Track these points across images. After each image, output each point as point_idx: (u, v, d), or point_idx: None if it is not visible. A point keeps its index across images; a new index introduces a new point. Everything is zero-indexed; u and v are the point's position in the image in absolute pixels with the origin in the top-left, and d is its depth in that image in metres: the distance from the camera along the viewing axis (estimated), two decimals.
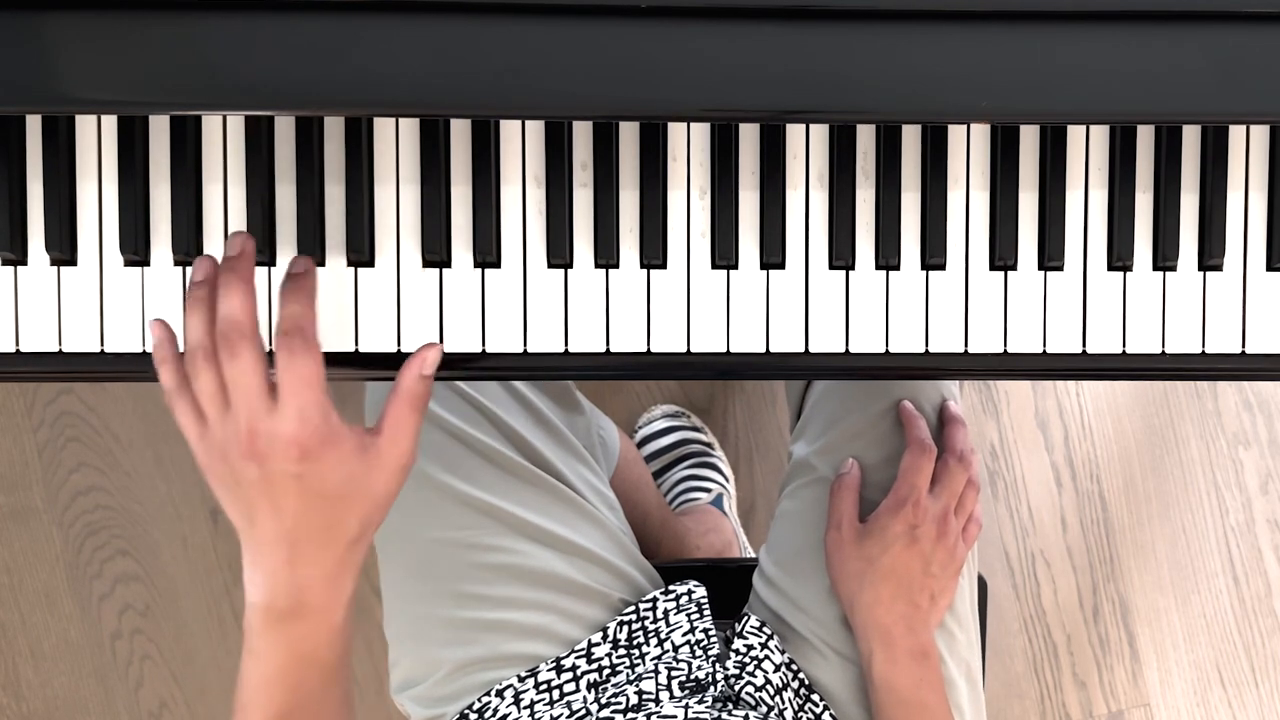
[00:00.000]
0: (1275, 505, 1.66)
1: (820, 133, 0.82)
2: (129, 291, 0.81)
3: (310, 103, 0.74)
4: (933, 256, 0.82)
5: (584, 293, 0.82)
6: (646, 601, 1.00)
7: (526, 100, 0.73)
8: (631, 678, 0.96)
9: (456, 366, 0.82)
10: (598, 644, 0.98)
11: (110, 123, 0.81)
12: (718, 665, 0.97)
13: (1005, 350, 0.83)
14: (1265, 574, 1.65)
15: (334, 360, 0.81)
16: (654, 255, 0.82)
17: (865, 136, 0.82)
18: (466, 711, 0.97)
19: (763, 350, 0.83)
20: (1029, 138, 0.83)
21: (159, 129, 0.81)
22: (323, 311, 0.81)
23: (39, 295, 0.81)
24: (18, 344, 0.81)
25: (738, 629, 0.99)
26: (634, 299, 0.82)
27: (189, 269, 0.81)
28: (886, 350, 0.83)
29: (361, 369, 0.81)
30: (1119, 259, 0.82)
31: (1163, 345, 0.83)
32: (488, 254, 0.81)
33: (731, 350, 0.83)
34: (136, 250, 0.81)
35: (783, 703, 0.96)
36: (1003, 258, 0.82)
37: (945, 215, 0.82)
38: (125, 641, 1.62)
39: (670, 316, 0.82)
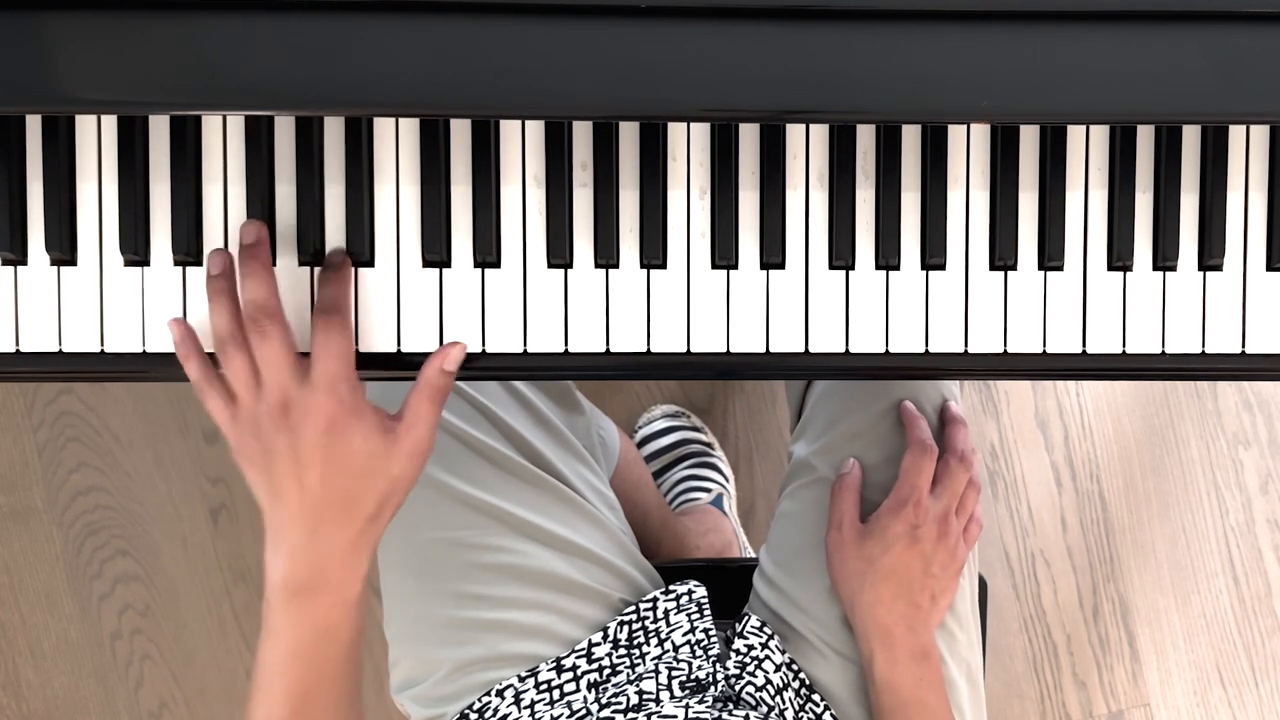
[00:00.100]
0: (1275, 505, 1.65)
1: (820, 133, 0.82)
2: (129, 291, 0.81)
3: (310, 103, 0.74)
4: (933, 256, 0.82)
5: (584, 293, 0.82)
6: (647, 601, 1.00)
7: (526, 100, 0.73)
8: (632, 678, 0.96)
9: None
10: (598, 644, 0.98)
11: (110, 123, 0.81)
12: (718, 665, 0.97)
13: (1005, 350, 0.83)
14: (1265, 574, 1.65)
15: None
16: (654, 255, 0.82)
17: (865, 136, 0.82)
18: (467, 711, 0.97)
19: (763, 350, 0.83)
20: (1029, 138, 0.83)
21: (159, 129, 0.81)
22: None
23: (39, 295, 0.81)
24: (18, 344, 0.81)
25: (738, 629, 0.99)
26: (634, 299, 0.82)
27: (189, 269, 0.81)
28: (887, 350, 0.83)
29: (361, 369, 0.81)
30: (1119, 259, 0.82)
31: (1163, 345, 0.83)
32: (488, 254, 0.81)
33: (731, 350, 0.83)
34: (136, 250, 0.81)
35: (783, 703, 0.96)
36: (1003, 258, 0.82)
37: (945, 215, 0.82)
38: (125, 641, 1.61)
39: (670, 316, 0.82)
